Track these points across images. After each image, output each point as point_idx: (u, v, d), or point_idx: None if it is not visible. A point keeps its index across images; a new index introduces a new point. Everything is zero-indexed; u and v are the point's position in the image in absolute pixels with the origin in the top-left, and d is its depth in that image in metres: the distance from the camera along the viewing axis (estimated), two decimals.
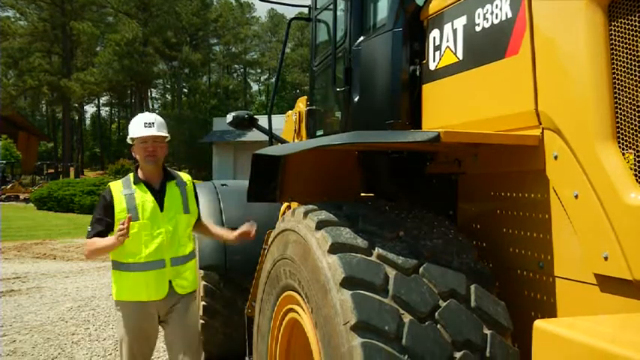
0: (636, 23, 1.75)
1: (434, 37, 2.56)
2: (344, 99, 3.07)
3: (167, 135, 3.48)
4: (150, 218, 3.34)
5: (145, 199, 3.37)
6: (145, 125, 3.37)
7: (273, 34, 64.94)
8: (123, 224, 3.14)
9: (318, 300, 2.06)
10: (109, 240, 3.24)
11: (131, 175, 3.49)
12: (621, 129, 1.76)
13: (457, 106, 2.42)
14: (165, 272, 3.37)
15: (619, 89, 1.77)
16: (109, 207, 3.35)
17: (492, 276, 2.10)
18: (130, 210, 3.31)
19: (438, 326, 1.84)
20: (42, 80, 45.56)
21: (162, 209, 3.39)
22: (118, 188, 3.43)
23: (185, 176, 3.65)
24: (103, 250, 3.31)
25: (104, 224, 3.35)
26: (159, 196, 3.42)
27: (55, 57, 48.87)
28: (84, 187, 25.82)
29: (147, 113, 3.56)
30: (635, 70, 1.75)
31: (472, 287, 1.97)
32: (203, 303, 4.45)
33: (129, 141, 3.48)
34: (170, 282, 3.38)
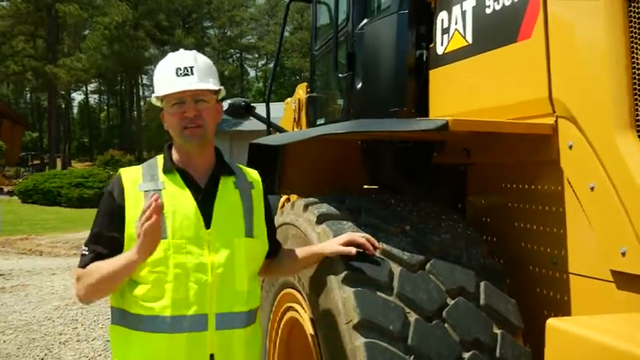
0: None
1: (442, 20, 2.56)
2: (346, 85, 3.07)
3: (219, 87, 2.05)
4: (186, 238, 1.91)
5: (180, 202, 1.95)
6: (177, 73, 1.96)
7: (271, 16, 64.71)
8: (150, 206, 1.75)
9: (318, 298, 2.06)
10: (123, 257, 1.87)
11: (159, 157, 2.09)
12: None
13: (466, 93, 2.41)
14: (206, 339, 1.90)
15: (638, 75, 1.77)
16: (116, 212, 1.96)
17: (503, 272, 2.11)
18: None
19: (446, 325, 1.85)
20: (26, 66, 45.46)
21: (208, 224, 1.95)
22: (133, 178, 2.00)
23: (253, 174, 2.18)
24: (111, 277, 1.89)
25: (107, 243, 1.95)
26: (205, 199, 1.98)
27: (40, 41, 48.68)
28: (71, 179, 25.81)
29: (181, 51, 2.06)
30: None
31: (482, 284, 1.98)
32: None
33: (154, 101, 2.07)
34: (212, 358, 1.91)
